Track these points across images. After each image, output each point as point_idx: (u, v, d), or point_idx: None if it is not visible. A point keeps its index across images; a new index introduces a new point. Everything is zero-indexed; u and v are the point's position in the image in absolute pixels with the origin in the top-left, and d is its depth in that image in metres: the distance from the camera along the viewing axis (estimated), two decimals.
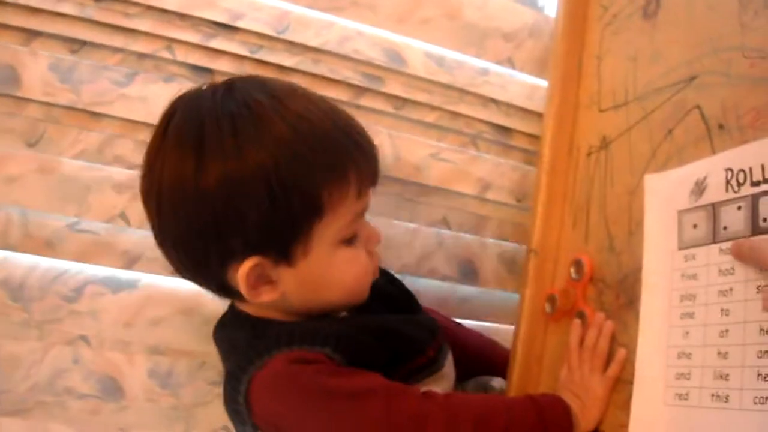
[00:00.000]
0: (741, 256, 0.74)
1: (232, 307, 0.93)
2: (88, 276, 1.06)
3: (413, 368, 0.89)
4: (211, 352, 0.98)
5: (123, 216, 1.07)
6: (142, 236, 1.06)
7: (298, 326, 0.84)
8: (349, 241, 0.84)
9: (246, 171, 0.74)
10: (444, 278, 1.29)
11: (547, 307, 1.09)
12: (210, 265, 0.80)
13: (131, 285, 1.08)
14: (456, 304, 1.31)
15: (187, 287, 1.08)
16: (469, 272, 1.31)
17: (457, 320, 1.25)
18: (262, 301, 0.82)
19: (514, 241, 1.34)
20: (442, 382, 0.94)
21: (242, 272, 0.78)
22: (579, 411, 0.89)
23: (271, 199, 0.75)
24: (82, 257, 1.06)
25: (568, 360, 0.97)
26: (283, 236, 0.78)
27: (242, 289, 0.79)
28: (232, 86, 0.80)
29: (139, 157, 0.86)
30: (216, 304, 1.07)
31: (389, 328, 0.89)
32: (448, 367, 0.97)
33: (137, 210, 0.99)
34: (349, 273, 0.85)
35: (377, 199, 1.21)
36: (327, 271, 0.83)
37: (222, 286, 0.83)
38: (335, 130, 0.81)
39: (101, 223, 1.07)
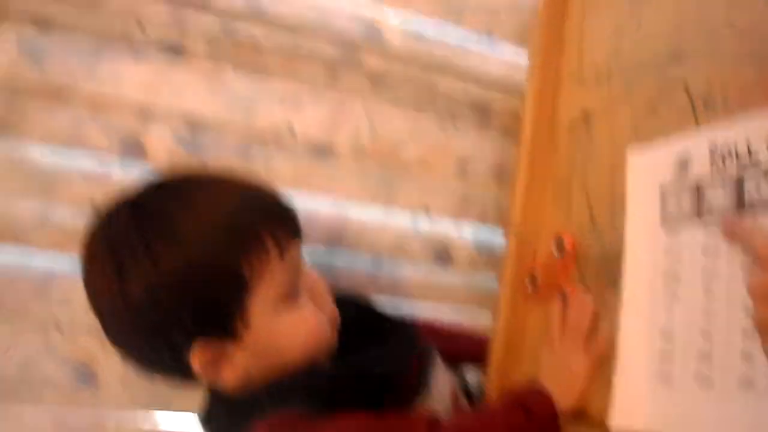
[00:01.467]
0: (729, 236, 0.72)
1: (210, 396, 0.91)
2: (58, 262, 1.04)
3: (399, 397, 0.89)
4: None
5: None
6: None
7: (270, 390, 0.84)
8: (291, 299, 0.84)
9: (164, 276, 0.75)
10: (418, 263, 1.27)
11: (528, 285, 1.07)
12: (164, 360, 0.81)
13: None
14: (432, 288, 1.30)
15: None
16: (444, 257, 1.30)
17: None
18: (226, 380, 0.82)
19: (496, 224, 1.33)
20: (432, 402, 0.93)
21: (193, 358, 0.79)
22: (561, 389, 0.89)
23: (195, 291, 0.76)
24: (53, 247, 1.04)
25: (549, 339, 0.97)
26: (218, 317, 0.79)
27: (200, 373, 0.80)
28: (135, 203, 0.81)
29: None
30: None
31: (363, 374, 0.87)
32: (438, 386, 0.96)
33: None
34: (298, 334, 0.84)
35: (355, 179, 1.21)
36: (276, 338, 0.83)
37: (186, 375, 0.82)
38: (242, 203, 0.82)
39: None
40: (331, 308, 0.90)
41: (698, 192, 0.78)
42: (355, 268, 1.23)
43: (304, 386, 0.83)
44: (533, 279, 1.06)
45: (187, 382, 0.85)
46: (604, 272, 0.93)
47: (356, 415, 0.80)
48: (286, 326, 0.82)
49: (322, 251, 1.21)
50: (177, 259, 0.76)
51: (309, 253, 1.14)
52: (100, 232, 0.81)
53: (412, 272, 1.28)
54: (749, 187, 0.72)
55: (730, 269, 0.72)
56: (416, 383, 0.92)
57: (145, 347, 0.81)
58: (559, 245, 1.02)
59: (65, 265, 1.03)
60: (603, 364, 0.89)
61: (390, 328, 1.01)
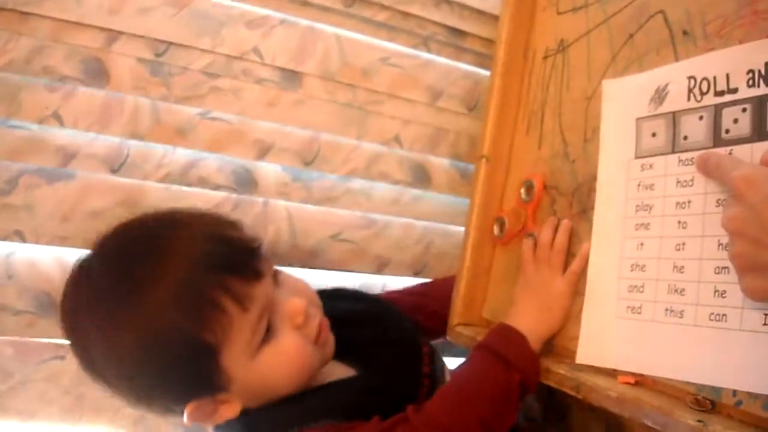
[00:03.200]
0: (705, 170, 0.72)
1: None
2: (22, 167, 1.01)
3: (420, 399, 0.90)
4: None
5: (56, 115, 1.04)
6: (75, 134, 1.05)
7: (289, 409, 0.85)
8: (267, 337, 0.82)
9: (133, 356, 0.76)
10: (396, 182, 1.27)
11: (496, 230, 1.08)
12: (160, 411, 0.85)
13: (68, 176, 1.04)
14: (409, 203, 1.30)
15: (128, 179, 1.07)
16: (421, 177, 1.29)
17: None
18: (225, 419, 0.83)
19: (468, 160, 1.32)
20: None
21: (188, 416, 0.80)
22: (544, 315, 0.90)
23: (167, 367, 0.76)
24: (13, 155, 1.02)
25: (523, 272, 0.97)
26: (198, 384, 0.79)
27: (198, 421, 0.82)
28: (80, 283, 0.81)
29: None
30: (159, 195, 1.09)
31: (377, 387, 0.90)
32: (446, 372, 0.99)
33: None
34: (283, 368, 0.83)
35: (324, 108, 1.20)
36: (262, 377, 0.82)
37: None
38: (194, 269, 0.77)
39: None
40: (314, 324, 0.87)
41: (674, 124, 0.78)
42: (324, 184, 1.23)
43: (333, 402, 0.85)
44: (501, 223, 1.06)
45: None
46: (576, 203, 0.93)
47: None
48: (267, 365, 0.81)
49: (297, 170, 1.21)
50: (138, 343, 0.75)
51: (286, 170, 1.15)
52: (63, 314, 0.82)
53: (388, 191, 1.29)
54: (726, 121, 0.72)
55: (705, 203, 0.72)
56: (431, 385, 0.94)
57: (138, 404, 0.82)
58: (528, 189, 1.02)
59: (29, 169, 1.02)
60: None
61: (388, 310, 1.04)
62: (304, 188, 1.21)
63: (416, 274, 1.31)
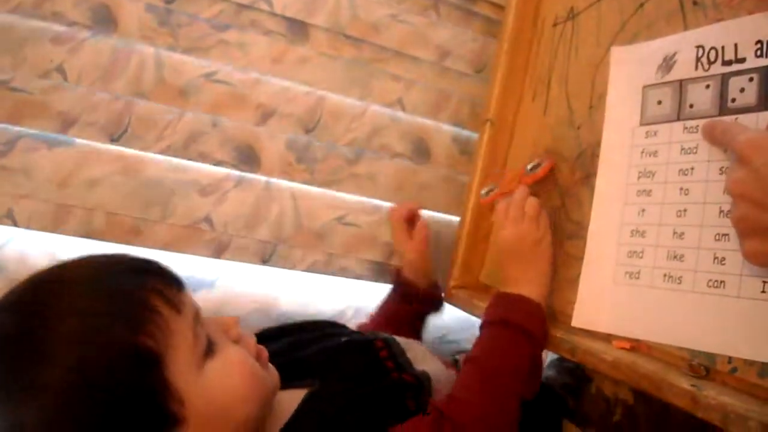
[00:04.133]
0: (712, 137, 0.73)
1: None
2: (20, 130, 1.01)
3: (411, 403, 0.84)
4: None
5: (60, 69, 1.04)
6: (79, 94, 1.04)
7: None
8: (209, 351, 0.74)
9: (62, 407, 0.63)
10: (396, 155, 1.27)
11: (484, 190, 1.08)
12: None
13: (68, 143, 1.04)
14: (414, 190, 1.29)
15: (129, 149, 1.07)
16: (421, 151, 1.29)
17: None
18: None
19: (470, 127, 1.31)
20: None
21: None
22: (538, 272, 0.92)
23: (109, 389, 0.64)
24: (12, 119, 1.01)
25: (504, 236, 0.95)
26: (150, 409, 0.68)
27: None
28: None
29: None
30: (158, 168, 1.08)
31: (343, 392, 0.83)
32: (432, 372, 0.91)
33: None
34: (234, 382, 0.75)
35: (328, 66, 1.19)
36: (214, 396, 0.73)
37: None
38: (109, 278, 0.70)
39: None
40: (251, 341, 0.81)
41: (681, 93, 0.79)
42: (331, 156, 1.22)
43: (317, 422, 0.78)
44: (490, 189, 1.07)
45: None
46: (579, 169, 0.94)
47: None
48: (216, 378, 0.73)
49: (301, 137, 1.20)
50: (67, 385, 0.63)
51: (289, 136, 1.15)
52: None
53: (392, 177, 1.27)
54: (733, 90, 0.72)
55: (708, 171, 0.73)
56: (415, 383, 0.86)
57: None
58: (535, 166, 1.00)
59: (27, 133, 1.02)
60: (571, 261, 0.92)
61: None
62: (307, 170, 1.20)
63: None
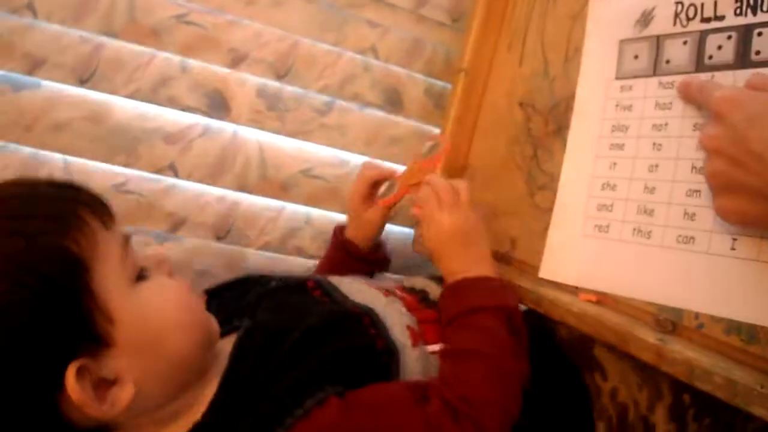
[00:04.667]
0: (687, 94, 0.73)
1: None
2: None
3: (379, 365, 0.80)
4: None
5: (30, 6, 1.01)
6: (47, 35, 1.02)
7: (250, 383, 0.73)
8: (141, 277, 0.71)
9: None
10: (367, 104, 1.25)
11: (382, 189, 1.08)
12: (38, 420, 0.64)
13: (34, 85, 1.02)
14: (384, 144, 1.28)
15: (96, 95, 1.05)
16: (394, 101, 1.28)
17: None
18: (121, 406, 0.65)
19: (442, 78, 1.30)
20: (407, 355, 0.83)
21: (72, 389, 0.62)
22: (479, 251, 0.89)
23: (30, 292, 0.61)
24: None
25: (436, 222, 0.90)
26: (73, 318, 0.63)
27: (87, 407, 0.63)
28: None
29: None
30: (126, 114, 1.06)
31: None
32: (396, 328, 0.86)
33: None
34: (169, 305, 0.72)
35: (303, 9, 1.17)
36: (147, 320, 0.69)
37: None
38: (39, 188, 0.69)
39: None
40: (185, 279, 0.77)
41: (658, 48, 0.79)
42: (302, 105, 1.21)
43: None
44: (388, 188, 1.06)
45: None
46: (551, 121, 0.94)
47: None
48: (150, 299, 0.70)
49: (271, 82, 1.18)
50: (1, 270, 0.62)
51: (259, 84, 1.13)
52: None
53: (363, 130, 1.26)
54: (710, 47, 0.72)
55: (682, 127, 0.73)
56: (384, 345, 0.81)
57: (9, 406, 0.62)
58: (431, 148, 1.00)
59: None
60: (539, 214, 0.93)
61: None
62: (277, 118, 1.18)
63: (389, 220, 1.29)
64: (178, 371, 0.71)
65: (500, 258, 0.98)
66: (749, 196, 0.60)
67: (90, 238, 0.66)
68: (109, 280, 0.66)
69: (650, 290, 0.74)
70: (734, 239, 0.66)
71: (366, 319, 0.82)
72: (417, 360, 0.81)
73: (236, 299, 0.90)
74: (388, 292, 0.93)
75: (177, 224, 1.12)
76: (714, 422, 0.86)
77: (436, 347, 0.83)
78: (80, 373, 0.62)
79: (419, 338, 0.84)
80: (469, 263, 0.87)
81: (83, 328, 0.64)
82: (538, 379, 0.85)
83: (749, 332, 0.64)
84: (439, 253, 0.90)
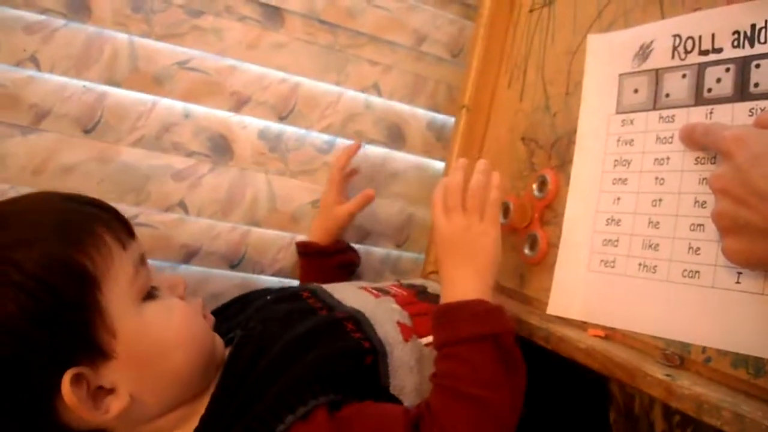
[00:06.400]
0: (692, 138, 0.72)
1: None
2: None
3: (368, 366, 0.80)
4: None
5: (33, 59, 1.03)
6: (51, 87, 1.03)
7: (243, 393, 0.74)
8: (151, 296, 0.74)
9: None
10: (370, 141, 1.26)
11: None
12: (33, 419, 0.67)
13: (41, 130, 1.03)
14: (386, 178, 1.29)
15: (101, 141, 1.06)
16: (396, 137, 1.28)
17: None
18: (114, 416, 0.68)
19: (446, 112, 1.31)
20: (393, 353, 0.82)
21: (67, 394, 0.64)
22: (473, 265, 0.83)
23: (40, 303, 0.64)
24: None
25: (436, 227, 0.88)
26: (77, 329, 0.66)
27: (81, 411, 0.66)
28: None
29: None
30: (133, 153, 1.08)
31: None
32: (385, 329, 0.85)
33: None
34: (172, 325, 0.74)
35: (304, 51, 1.18)
36: (149, 338, 0.71)
37: None
38: (68, 206, 0.73)
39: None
40: (197, 301, 0.81)
41: (657, 82, 0.79)
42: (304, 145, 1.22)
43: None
44: (506, 209, 1.00)
45: None
46: (554, 156, 0.94)
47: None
48: (155, 319, 0.72)
49: (273, 124, 1.19)
50: (12, 278, 0.64)
51: (261, 126, 1.14)
52: None
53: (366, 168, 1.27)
54: (709, 80, 0.72)
55: (683, 160, 0.73)
56: (370, 346, 0.81)
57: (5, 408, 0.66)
58: (542, 184, 0.95)
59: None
60: (547, 249, 0.92)
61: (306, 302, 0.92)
62: (280, 159, 1.19)
63: (398, 247, 1.30)
64: (176, 387, 0.74)
65: (509, 294, 0.98)
66: (754, 236, 0.59)
67: (105, 256, 0.70)
68: (118, 297, 0.69)
69: (657, 325, 0.73)
70: (739, 273, 0.65)
71: (349, 324, 0.82)
72: (410, 353, 0.82)
73: (237, 314, 0.92)
74: (380, 293, 0.93)
75: (190, 255, 1.12)
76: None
77: (430, 339, 0.82)
78: (77, 379, 0.66)
79: (411, 332, 0.84)
80: (457, 278, 0.84)
81: (85, 340, 0.67)
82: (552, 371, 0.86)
83: (756, 365, 0.63)
84: (437, 257, 0.89)
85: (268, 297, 0.94)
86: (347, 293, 0.93)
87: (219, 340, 0.81)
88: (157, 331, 0.72)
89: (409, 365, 0.81)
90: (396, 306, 0.89)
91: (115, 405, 0.69)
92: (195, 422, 0.73)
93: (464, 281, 0.83)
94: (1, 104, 1.00)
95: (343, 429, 0.70)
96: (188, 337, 0.75)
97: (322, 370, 0.75)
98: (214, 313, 0.92)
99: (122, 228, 0.74)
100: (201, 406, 0.75)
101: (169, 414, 0.75)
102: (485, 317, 0.78)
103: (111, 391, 0.69)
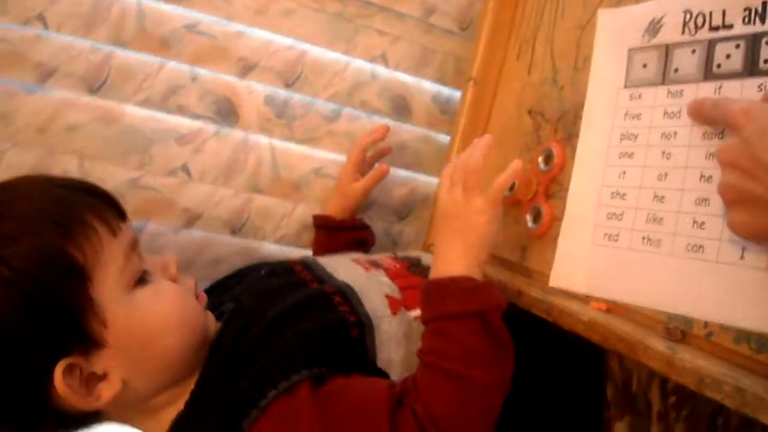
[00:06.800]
0: (701, 113, 0.71)
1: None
2: None
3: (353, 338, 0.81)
4: None
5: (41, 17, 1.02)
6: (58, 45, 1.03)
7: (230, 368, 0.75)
8: (142, 281, 0.74)
9: None
10: (375, 112, 1.26)
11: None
12: (20, 411, 0.69)
13: (46, 89, 1.03)
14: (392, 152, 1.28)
15: (107, 100, 1.05)
16: (401, 109, 1.28)
17: None
18: (105, 402, 0.70)
19: (453, 85, 1.30)
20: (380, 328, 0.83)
21: (59, 383, 0.66)
22: (465, 240, 0.83)
23: (30, 297, 0.65)
24: None
25: (439, 200, 0.89)
26: (67, 322, 0.67)
27: (73, 400, 0.68)
28: None
29: None
30: (138, 116, 1.08)
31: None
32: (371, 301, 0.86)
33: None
34: (162, 309, 0.74)
35: (312, 19, 1.17)
36: (140, 324, 0.72)
37: (65, 419, 0.71)
38: (56, 193, 0.72)
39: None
40: (189, 282, 0.81)
41: (666, 57, 0.78)
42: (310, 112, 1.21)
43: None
44: (511, 186, 0.98)
45: (75, 426, 0.74)
46: (561, 129, 0.94)
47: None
48: (145, 305, 0.73)
49: (279, 90, 1.19)
50: (1, 274, 0.65)
51: (268, 91, 1.13)
52: None
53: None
54: (719, 56, 0.72)
55: (691, 135, 0.73)
56: (356, 319, 0.82)
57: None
58: (548, 157, 0.95)
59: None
60: (551, 222, 0.92)
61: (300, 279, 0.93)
62: (286, 126, 1.19)
63: (401, 219, 1.30)
64: (168, 369, 0.75)
65: (511, 266, 0.99)
66: (761, 209, 0.59)
67: (95, 245, 0.70)
68: (108, 286, 0.70)
69: (659, 299, 0.74)
70: (744, 248, 0.65)
71: (337, 297, 0.83)
72: (398, 326, 0.83)
73: (233, 288, 0.93)
74: (371, 266, 0.94)
75: (192, 219, 1.13)
76: (691, 415, 0.87)
77: (418, 312, 0.82)
78: (70, 369, 0.67)
79: (400, 305, 0.85)
80: (447, 254, 0.83)
81: (76, 332, 0.68)
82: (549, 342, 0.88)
83: (759, 341, 0.64)
84: (435, 230, 0.91)
85: (263, 271, 0.95)
86: (339, 266, 0.93)
87: (211, 319, 0.82)
88: (148, 317, 0.73)
89: (396, 338, 0.82)
90: (386, 279, 0.90)
91: (107, 391, 0.70)
92: (185, 399, 0.75)
93: (453, 256, 0.82)
94: (7, 62, 1.00)
95: (325, 403, 0.71)
96: (179, 321, 0.75)
97: (307, 343, 0.76)
98: (212, 287, 0.96)
99: (113, 213, 0.75)
100: (193, 383, 0.76)
101: (162, 393, 0.76)
102: (473, 294, 0.78)
103: (103, 377, 0.71)
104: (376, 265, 0.95)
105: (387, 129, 1.17)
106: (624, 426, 0.90)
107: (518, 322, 0.79)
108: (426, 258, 1.00)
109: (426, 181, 1.29)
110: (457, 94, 1.24)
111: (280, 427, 0.70)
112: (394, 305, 0.85)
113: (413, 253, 1.04)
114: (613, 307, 0.80)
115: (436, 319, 0.78)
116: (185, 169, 1.11)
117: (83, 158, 1.05)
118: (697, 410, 0.89)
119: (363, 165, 1.17)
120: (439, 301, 0.79)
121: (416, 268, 0.97)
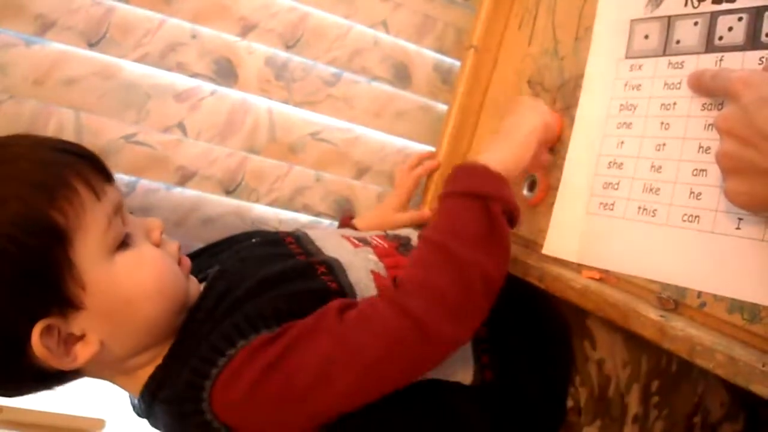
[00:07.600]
0: (700, 84, 0.72)
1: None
2: None
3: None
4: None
5: None
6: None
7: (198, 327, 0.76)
8: (124, 245, 0.74)
9: None
10: (375, 78, 1.26)
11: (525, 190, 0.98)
12: (7, 364, 0.71)
13: (45, 41, 1.03)
14: (390, 118, 1.28)
15: (106, 56, 1.05)
16: (402, 76, 1.28)
17: None
18: (82, 361, 0.71)
19: (452, 55, 1.30)
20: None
21: (36, 345, 0.67)
22: (505, 143, 0.86)
23: (9, 260, 0.66)
24: None
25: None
26: (46, 284, 0.68)
27: (50, 361, 0.68)
28: None
29: None
30: (136, 71, 1.07)
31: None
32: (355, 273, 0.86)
33: None
34: (142, 274, 0.74)
35: None
36: (119, 288, 0.72)
37: (44, 376, 0.73)
38: (39, 153, 0.72)
39: None
40: (173, 246, 0.81)
41: (668, 28, 0.79)
42: (309, 75, 1.21)
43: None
44: (532, 182, 0.98)
45: (51, 383, 0.76)
46: (560, 99, 0.95)
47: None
48: (125, 270, 0.72)
49: (279, 52, 1.18)
50: None
51: (268, 53, 1.13)
52: None
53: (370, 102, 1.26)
54: (721, 28, 0.72)
55: (690, 106, 0.74)
56: (338, 287, 0.82)
57: None
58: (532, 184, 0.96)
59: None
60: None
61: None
62: (285, 88, 1.19)
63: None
64: (146, 333, 0.75)
65: None
66: (758, 178, 0.59)
67: (77, 208, 0.69)
68: (88, 249, 0.70)
69: (653, 268, 0.75)
70: (740, 219, 0.66)
71: (321, 268, 0.84)
72: None
73: (223, 253, 0.94)
74: (360, 243, 0.94)
75: (186, 177, 1.13)
76: (670, 414, 0.88)
77: None
78: (48, 330, 0.68)
79: (385, 282, 0.85)
80: (484, 152, 0.85)
81: (54, 294, 0.68)
82: (526, 325, 0.90)
83: (752, 312, 0.65)
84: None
85: (254, 240, 0.95)
86: (328, 242, 0.94)
87: (194, 283, 0.82)
88: (127, 281, 0.73)
89: None
90: (373, 257, 0.90)
91: (84, 351, 0.71)
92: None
93: (488, 154, 0.83)
94: (6, 13, 0.99)
95: (282, 335, 0.72)
96: (158, 287, 0.75)
97: (279, 307, 0.76)
98: (202, 250, 0.97)
99: (99, 175, 0.74)
100: (171, 343, 0.77)
101: (140, 354, 0.77)
102: (484, 179, 0.80)
103: (81, 337, 0.71)
104: (365, 242, 0.95)
105: (438, 164, 1.16)
106: (593, 430, 0.91)
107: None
108: (416, 238, 1.00)
109: (421, 150, 1.29)
110: (458, 65, 1.24)
111: (239, 373, 0.71)
112: (380, 282, 0.85)
113: (403, 231, 1.04)
114: (605, 277, 0.80)
115: (444, 195, 0.81)
116: (181, 126, 1.11)
117: (80, 112, 1.04)
118: (674, 410, 0.90)
119: (414, 192, 1.17)
120: (452, 180, 0.82)
121: (404, 248, 0.97)
